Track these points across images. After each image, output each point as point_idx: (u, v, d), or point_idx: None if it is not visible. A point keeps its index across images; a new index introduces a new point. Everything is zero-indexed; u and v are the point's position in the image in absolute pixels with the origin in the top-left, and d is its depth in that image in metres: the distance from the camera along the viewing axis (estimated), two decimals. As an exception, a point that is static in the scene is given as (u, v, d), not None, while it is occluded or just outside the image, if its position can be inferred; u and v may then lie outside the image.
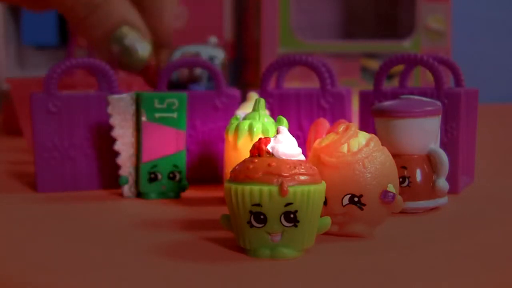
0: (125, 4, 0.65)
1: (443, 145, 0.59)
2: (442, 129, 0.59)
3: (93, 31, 0.65)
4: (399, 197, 0.44)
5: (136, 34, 0.63)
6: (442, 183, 0.53)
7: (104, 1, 0.63)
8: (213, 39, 0.70)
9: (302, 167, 0.40)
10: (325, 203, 0.45)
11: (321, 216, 0.42)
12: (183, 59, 0.65)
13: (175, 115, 0.58)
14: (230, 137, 0.51)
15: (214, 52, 0.68)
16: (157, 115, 0.58)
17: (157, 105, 0.58)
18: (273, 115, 0.64)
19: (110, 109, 0.59)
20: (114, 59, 0.65)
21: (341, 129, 0.46)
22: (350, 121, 0.61)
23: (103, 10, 0.63)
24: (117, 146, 0.59)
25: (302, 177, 0.40)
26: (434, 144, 0.54)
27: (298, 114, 0.65)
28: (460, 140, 0.59)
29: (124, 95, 0.59)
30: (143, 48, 0.64)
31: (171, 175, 0.59)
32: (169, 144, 0.59)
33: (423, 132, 0.53)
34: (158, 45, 0.69)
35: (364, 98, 0.62)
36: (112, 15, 0.64)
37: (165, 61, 0.68)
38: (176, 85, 0.68)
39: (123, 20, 0.64)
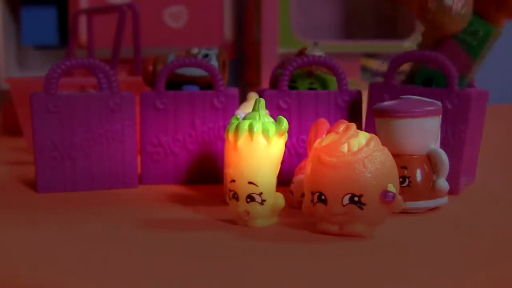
0: None
1: (449, 146, 0.58)
2: (450, 130, 0.59)
3: None
4: (399, 197, 0.44)
5: None
6: (442, 183, 0.53)
7: None
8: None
9: None
10: (325, 202, 0.45)
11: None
12: (182, 60, 0.65)
13: None
14: (230, 136, 0.51)
15: (208, 51, 0.68)
16: None
17: None
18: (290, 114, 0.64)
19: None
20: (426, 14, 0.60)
21: (341, 129, 0.46)
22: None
23: None
24: None
25: None
26: (434, 144, 0.54)
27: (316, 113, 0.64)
28: (467, 142, 0.59)
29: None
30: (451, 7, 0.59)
31: None
32: None
33: (423, 132, 0.53)
34: None
35: (375, 90, 0.62)
36: None
37: (164, 62, 0.68)
38: (172, 85, 0.67)
39: None
